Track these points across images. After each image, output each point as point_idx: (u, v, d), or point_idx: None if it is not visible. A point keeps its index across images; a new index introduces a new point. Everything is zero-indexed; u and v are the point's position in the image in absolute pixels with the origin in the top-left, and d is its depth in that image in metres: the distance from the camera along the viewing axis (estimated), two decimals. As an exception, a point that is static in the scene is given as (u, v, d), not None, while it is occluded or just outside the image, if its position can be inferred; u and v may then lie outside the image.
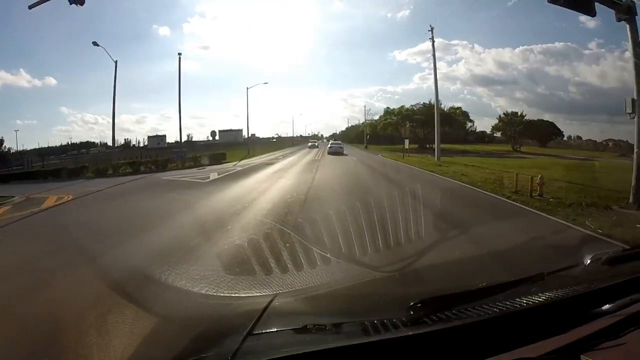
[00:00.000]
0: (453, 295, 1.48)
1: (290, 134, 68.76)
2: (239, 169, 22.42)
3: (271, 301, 1.69)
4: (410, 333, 1.22)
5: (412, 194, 10.55)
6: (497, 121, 50.20)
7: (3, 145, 44.83)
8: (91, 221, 9.03)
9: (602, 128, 60.30)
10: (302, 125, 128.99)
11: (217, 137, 53.75)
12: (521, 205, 10.04)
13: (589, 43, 54.94)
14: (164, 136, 52.83)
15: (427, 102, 48.04)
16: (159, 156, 31.01)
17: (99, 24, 62.91)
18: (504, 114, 48.41)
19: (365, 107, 71.35)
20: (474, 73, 57.96)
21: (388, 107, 51.07)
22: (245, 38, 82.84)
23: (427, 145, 45.62)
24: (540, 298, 1.44)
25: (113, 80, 30.72)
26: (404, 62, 68.62)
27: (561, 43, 52.97)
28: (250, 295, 3.97)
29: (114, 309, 3.32)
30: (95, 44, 29.34)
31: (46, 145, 49.15)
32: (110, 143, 52.55)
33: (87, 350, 2.63)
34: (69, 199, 12.85)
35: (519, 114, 47.95)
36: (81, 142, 53.97)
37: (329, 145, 39.62)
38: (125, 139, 54.57)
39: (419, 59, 74.75)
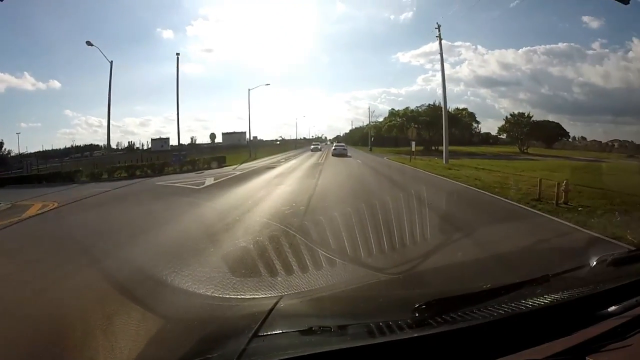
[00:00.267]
0: (458, 297, 1.46)
1: (294, 137, 67.73)
2: (237, 173, 21.06)
3: (277, 303, 1.68)
4: (415, 335, 1.21)
5: (427, 203, 9.30)
6: (501, 122, 49.37)
7: (3, 148, 43.58)
8: (57, 237, 7.85)
9: (606, 129, 59.51)
10: (306, 127, 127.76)
11: (216, 140, 52.62)
12: (551, 217, 8.66)
13: (592, 43, 53.50)
14: (167, 139, 50.90)
15: (432, 104, 47.35)
16: (161, 159, 30.10)
17: (103, 27, 61.72)
18: (510, 114, 47.12)
19: (369, 108, 69.90)
20: (477, 74, 56.69)
21: (393, 109, 49.84)
22: (248, 40, 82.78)
23: (433, 147, 44.41)
24: (545, 300, 1.43)
25: (109, 81, 29.67)
26: (407, 64, 66.93)
27: (564, 44, 51.69)
28: (256, 297, 3.92)
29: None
30: (89, 43, 28.15)
31: (50, 148, 48.35)
32: (114, 145, 53.00)
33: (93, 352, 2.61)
34: (53, 207, 11.98)
35: (526, 114, 46.76)
36: (85, 145, 52.21)
37: (333, 148, 40.03)
38: (129, 142, 53.96)
39: (422, 60, 74.29)
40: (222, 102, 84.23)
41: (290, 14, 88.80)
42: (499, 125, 47.42)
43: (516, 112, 47.02)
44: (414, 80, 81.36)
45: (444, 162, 26.26)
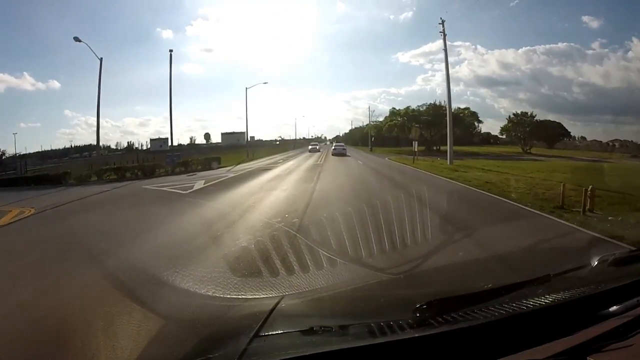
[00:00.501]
0: (459, 297, 1.44)
1: (293, 137, 67.32)
2: (231, 175, 19.59)
3: (278, 303, 1.67)
4: (417, 335, 1.20)
5: (442, 214, 8.11)
6: (500, 122, 50.75)
7: (-2, 149, 42.69)
8: (17, 253, 6.60)
9: (606, 128, 59.95)
10: (305, 127, 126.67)
11: (215, 140, 51.81)
12: (584, 230, 7.28)
13: (592, 43, 53.11)
14: (166, 139, 50.65)
15: (434, 103, 46.41)
16: (158, 159, 28.99)
17: (103, 27, 63.45)
18: (513, 114, 46.56)
19: (369, 108, 69.29)
20: (477, 74, 56.51)
21: (394, 108, 48.80)
22: (248, 40, 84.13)
23: (434, 147, 43.39)
24: (547, 299, 1.41)
25: (98, 78, 28.32)
26: (407, 64, 67.13)
27: (564, 43, 51.69)
28: (257, 297, 3.88)
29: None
30: (77, 39, 26.79)
31: (49, 148, 48.88)
32: (113, 146, 52.41)
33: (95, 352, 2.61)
34: (30, 213, 10.90)
35: (529, 114, 45.90)
36: (84, 145, 52.81)
37: (333, 147, 41.59)
38: (128, 142, 54.36)
39: (422, 60, 75.01)
40: (222, 102, 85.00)
41: (290, 14, 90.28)
42: (502, 125, 47.03)
43: (519, 111, 46.62)
44: (413, 80, 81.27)
45: (449, 163, 24.91)
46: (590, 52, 51.59)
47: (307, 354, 1.13)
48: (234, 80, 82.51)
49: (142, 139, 75.87)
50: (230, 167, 25.92)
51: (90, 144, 50.37)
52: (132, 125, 77.68)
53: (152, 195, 13.97)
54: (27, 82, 55.98)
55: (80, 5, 64.29)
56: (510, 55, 57.48)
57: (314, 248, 5.28)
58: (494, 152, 43.52)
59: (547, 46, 52.28)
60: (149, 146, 53.36)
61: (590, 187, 9.21)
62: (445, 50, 25.92)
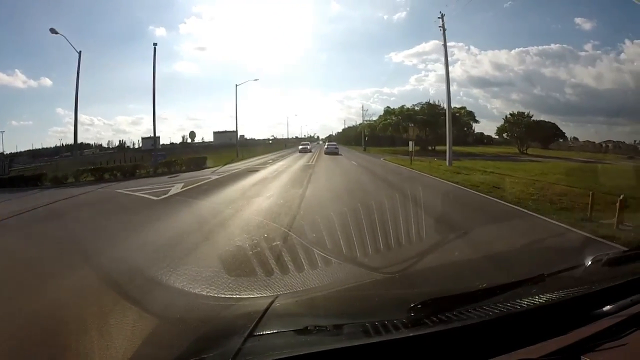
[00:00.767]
0: (453, 297, 1.44)
1: (286, 136, 65.27)
2: (214, 177, 17.78)
3: (272, 302, 1.66)
4: (411, 334, 1.20)
5: (454, 228, 6.95)
6: (493, 123, 50.75)
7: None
8: None
9: (598, 129, 58.88)
10: (298, 126, 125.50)
11: (206, 139, 50.76)
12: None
13: (584, 45, 52.41)
14: (158, 137, 48.74)
15: (429, 102, 45.04)
16: (146, 159, 27.46)
17: (95, 25, 61.52)
18: (510, 114, 45.05)
19: (362, 106, 68.04)
20: (470, 75, 55.32)
21: (388, 107, 47.03)
22: (241, 39, 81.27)
23: (430, 147, 41.94)
24: (541, 299, 1.42)
25: (79, 73, 26.32)
26: (400, 64, 64.55)
27: (557, 45, 50.43)
28: (251, 296, 3.80)
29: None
30: (53, 31, 24.81)
31: (40, 147, 46.03)
32: (105, 144, 50.77)
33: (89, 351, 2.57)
34: None
35: (526, 114, 44.69)
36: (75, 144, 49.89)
37: (325, 146, 41.94)
38: (120, 141, 51.92)
39: (415, 60, 74.47)
40: (216, 101, 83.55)
41: (284, 13, 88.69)
42: (498, 126, 46.22)
43: (514, 112, 45.35)
44: (406, 80, 79.06)
45: (448, 164, 23.26)
46: (583, 53, 49.30)
47: (301, 353, 1.12)
48: (227, 79, 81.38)
49: (134, 137, 74.29)
50: (217, 168, 24.13)
51: (82, 142, 49.28)
52: (125, 123, 76.37)
53: (121, 202, 12.35)
54: (18, 80, 54.31)
55: (72, 2, 62.44)
56: (503, 56, 56.68)
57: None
58: (490, 153, 42.10)
59: (540, 47, 50.69)
60: (140, 145, 50.44)
61: (621, 196, 7.79)
62: (445, 46, 24.35)
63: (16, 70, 57.47)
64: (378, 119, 48.31)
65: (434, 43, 61.26)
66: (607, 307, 1.42)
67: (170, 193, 12.93)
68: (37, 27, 54.72)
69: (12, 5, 47.81)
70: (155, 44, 28.57)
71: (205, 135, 62.49)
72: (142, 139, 50.68)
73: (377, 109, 77.53)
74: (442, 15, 24.27)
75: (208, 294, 3.70)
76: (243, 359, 1.15)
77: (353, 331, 1.31)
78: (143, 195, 12.88)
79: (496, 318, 1.28)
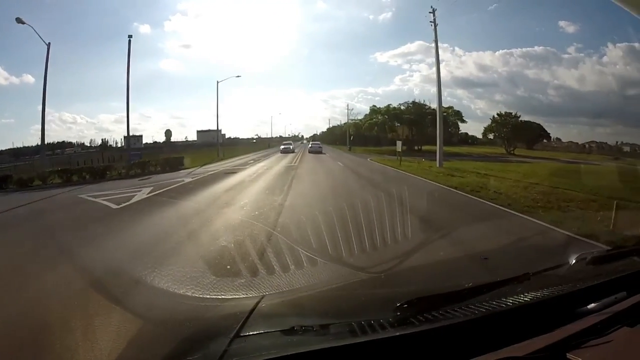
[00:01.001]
0: (439, 296, 1.45)
1: (272, 135, 63.68)
2: (188, 180, 16.16)
3: (258, 303, 1.63)
4: (397, 334, 1.20)
5: (468, 245, 5.75)
6: (476, 123, 51.52)
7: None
8: None
9: (580, 130, 58.95)
10: (283, 126, 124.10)
11: (179, 138, 50.04)
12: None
13: (568, 47, 52.74)
14: (140, 136, 47.96)
15: (415, 101, 43.83)
16: (124, 159, 26.06)
17: (78, 21, 57.75)
18: (497, 114, 43.89)
19: (347, 106, 66.88)
20: (454, 75, 54.64)
21: (374, 106, 45.43)
22: (227, 37, 79.29)
23: (416, 147, 40.82)
24: (526, 298, 1.42)
25: (47, 66, 24.40)
26: (385, 64, 63.22)
27: (541, 47, 49.86)
28: (237, 297, 3.67)
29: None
30: (19, 20, 22.80)
31: (21, 145, 43.35)
32: (87, 143, 48.92)
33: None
34: None
35: (513, 114, 43.96)
36: (57, 142, 47.49)
37: (310, 145, 42.28)
38: (102, 139, 48.96)
39: (400, 61, 73.53)
40: (200, 100, 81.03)
41: (270, 12, 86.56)
42: (485, 126, 45.74)
43: (501, 112, 44.28)
44: (391, 80, 78.49)
45: (438, 165, 22.07)
46: (566, 56, 47.93)
47: (288, 353, 1.11)
48: (212, 77, 79.28)
49: (117, 135, 71.54)
50: (193, 169, 22.42)
51: (63, 141, 47.57)
52: (108, 122, 73.48)
53: (76, 211, 10.73)
54: (0, 77, 52.35)
55: (55, -3, 60.62)
56: (487, 57, 56.26)
57: None
58: (477, 153, 41.15)
59: (524, 49, 49.85)
60: (123, 144, 48.58)
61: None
62: (436, 41, 23.16)
63: (-3, 66, 56.41)
64: (364, 118, 47.02)
65: (419, 44, 62.62)
66: (592, 305, 1.43)
67: (134, 200, 11.32)
68: (16, 23, 52.83)
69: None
70: (130, 36, 26.82)
71: (189, 134, 61.16)
72: (124, 137, 48.60)
73: (361, 109, 76.93)
74: (434, 10, 23.17)
75: (193, 295, 3.61)
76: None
77: (340, 331, 1.28)
78: (103, 202, 11.29)
79: (482, 317, 1.28)
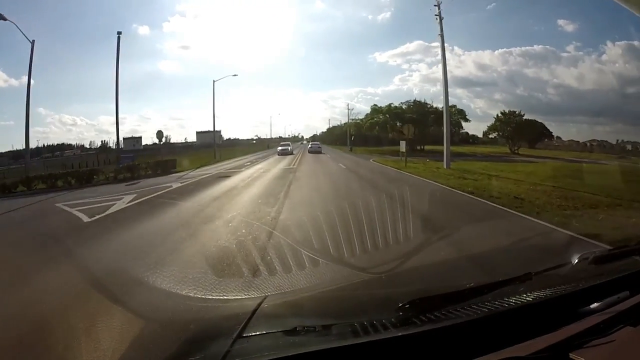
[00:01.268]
0: (441, 296, 1.42)
1: (272, 135, 63.52)
2: (176, 186, 14.68)
3: (260, 303, 1.60)
4: (400, 334, 1.18)
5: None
6: (476, 122, 53.14)
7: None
8: None
9: (579, 129, 60.56)
10: (282, 126, 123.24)
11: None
12: None
13: (567, 46, 52.48)
14: (140, 138, 49.27)
15: (417, 100, 43.14)
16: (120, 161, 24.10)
17: (78, 22, 60.52)
18: (501, 113, 43.10)
19: (348, 105, 65.90)
20: (453, 75, 55.11)
21: (375, 105, 44.62)
22: (225, 38, 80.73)
23: (418, 147, 39.53)
24: (528, 297, 1.40)
25: (31, 64, 23.03)
26: (384, 64, 64.74)
27: (540, 46, 50.47)
28: (239, 297, 3.61)
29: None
30: (1, 17, 21.48)
31: (21, 148, 43.88)
32: (87, 145, 48.29)
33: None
34: None
35: (517, 113, 42.93)
36: (56, 144, 49.19)
37: (309, 146, 42.18)
38: (102, 141, 49.30)
39: (399, 60, 75.51)
40: (199, 101, 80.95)
41: (269, 12, 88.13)
42: (481, 125, 45.43)
43: (506, 110, 43.54)
44: (390, 80, 78.61)
45: (445, 166, 20.63)
46: (565, 54, 49.76)
47: (290, 354, 1.10)
48: (211, 78, 78.03)
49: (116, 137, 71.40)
50: (186, 172, 21.01)
51: (63, 143, 48.54)
52: (107, 123, 74.18)
53: (43, 225, 9.45)
54: None
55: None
56: (487, 56, 57.17)
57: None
58: (481, 153, 40.07)
59: (523, 48, 50.52)
60: (122, 145, 49.23)
61: None
62: (442, 35, 21.60)
63: (-4, 68, 55.91)
64: (365, 118, 45.97)
65: (418, 43, 62.82)
66: (595, 305, 1.41)
67: (110, 211, 9.91)
68: (18, 24, 52.16)
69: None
70: (119, 33, 25.42)
71: (189, 135, 61.53)
72: (124, 139, 49.43)
73: (361, 109, 76.65)
74: (439, 3, 21.67)
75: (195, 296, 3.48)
76: None
77: (342, 331, 1.26)
78: (77, 212, 9.94)
79: (484, 317, 1.27)
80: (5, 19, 21.89)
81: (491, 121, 43.53)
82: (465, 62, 56.69)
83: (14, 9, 53.32)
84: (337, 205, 8.11)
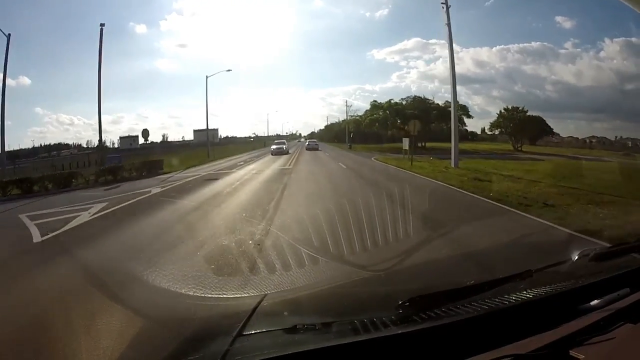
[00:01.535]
0: (441, 293, 1.38)
1: (269, 133, 61.90)
2: (154, 192, 12.96)
3: (260, 301, 1.57)
4: (400, 331, 1.17)
5: None
6: (474, 119, 48.42)
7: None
8: None
9: (577, 125, 58.94)
10: (280, 124, 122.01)
11: (176, 138, 49.68)
12: None
13: (564, 43, 52.30)
14: (136, 137, 47.09)
15: (418, 96, 41.67)
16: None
17: (74, 20, 58.11)
18: (504, 109, 41.85)
19: (346, 102, 64.31)
20: None
21: (375, 101, 42.99)
22: (223, 36, 78.37)
23: (420, 144, 38.01)
24: (528, 294, 1.39)
25: (7, 60, 21.40)
26: (382, 61, 62.12)
27: (538, 42, 49.06)
28: (239, 296, 3.63)
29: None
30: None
31: (17, 148, 42.44)
32: (84, 144, 47.10)
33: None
34: None
35: (520, 109, 41.65)
36: (53, 144, 47.30)
37: (307, 143, 42.19)
38: (99, 140, 47.44)
39: (397, 57, 73.34)
40: (197, 99, 79.78)
41: (266, 9, 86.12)
42: (478, 121, 44.21)
43: (511, 106, 42.37)
44: (388, 77, 77.23)
45: (453, 165, 19.08)
46: (563, 51, 48.78)
47: (290, 352, 1.09)
48: (208, 76, 77.72)
49: (114, 136, 71.30)
50: (173, 174, 19.34)
51: (59, 143, 46.60)
52: (105, 122, 72.49)
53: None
54: None
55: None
56: (484, 53, 55.61)
57: None
58: (483, 150, 38.32)
59: (521, 45, 49.55)
60: (119, 144, 48.68)
61: None
62: (449, 25, 20.03)
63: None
64: (364, 114, 44.45)
65: (416, 40, 61.99)
66: (595, 302, 1.40)
67: (69, 225, 8.27)
68: (15, 23, 52.58)
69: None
70: (102, 25, 23.70)
71: (186, 133, 59.79)
72: (121, 138, 49.45)
73: (359, 106, 75.96)
74: (446, -6, 20.12)
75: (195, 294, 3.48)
76: (232, 359, 1.10)
77: (342, 329, 1.24)
78: (34, 227, 8.33)
79: (484, 314, 1.26)
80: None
81: (489, 118, 43.47)
82: (463, 59, 56.30)
83: (12, 8, 51.40)
84: (342, 220, 6.37)
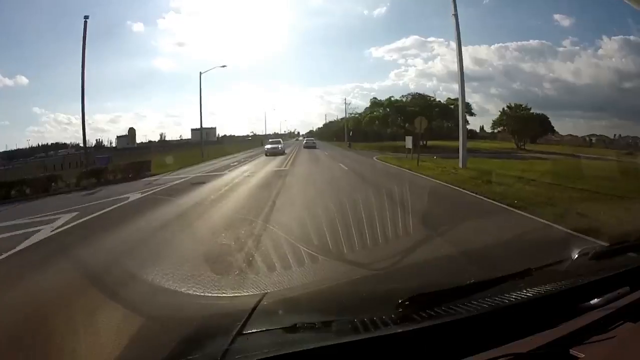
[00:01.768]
0: (442, 292, 1.37)
1: (267, 132, 62.15)
2: (132, 199, 11.54)
3: (260, 300, 1.54)
4: (400, 330, 1.15)
5: None
6: (472, 117, 47.06)
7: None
8: None
9: (576, 123, 60.21)
10: (278, 122, 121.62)
11: (174, 137, 49.81)
12: None
13: (563, 41, 53.48)
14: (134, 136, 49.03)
15: (419, 93, 41.04)
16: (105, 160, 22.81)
17: (71, 18, 59.33)
18: (507, 106, 41.37)
19: (345, 100, 63.74)
20: (450, 70, 53.46)
21: (375, 98, 42.13)
22: (221, 34, 79.94)
23: (421, 143, 36.86)
24: (528, 293, 1.38)
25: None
26: (380, 59, 63.54)
27: (536, 41, 50.43)
28: (239, 294, 3.58)
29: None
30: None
31: (15, 147, 44.53)
32: (81, 144, 46.99)
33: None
34: None
35: (523, 106, 40.98)
36: (51, 144, 48.51)
37: (304, 141, 42.87)
38: (97, 140, 48.42)
39: (395, 55, 75.44)
40: (195, 98, 79.68)
41: (264, 7, 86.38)
42: (476, 119, 43.86)
43: (514, 103, 41.92)
44: (386, 75, 78.23)
45: (461, 165, 17.79)
46: (561, 49, 50.15)
47: (290, 351, 1.07)
48: (206, 75, 77.10)
49: (112, 136, 71.71)
50: (160, 176, 18.00)
51: (57, 142, 47.45)
52: (103, 122, 73.86)
53: None
54: None
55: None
56: (483, 51, 55.83)
57: None
58: (485, 148, 37.32)
59: (520, 43, 50.78)
60: (116, 144, 49.47)
61: None
62: (456, 15, 18.72)
63: (-9, 67, 55.03)
64: (364, 112, 43.56)
65: (414, 38, 65.13)
66: (595, 300, 1.38)
67: (25, 244, 6.91)
68: (12, 22, 52.57)
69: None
70: (86, 17, 22.40)
71: (184, 132, 60.93)
72: (118, 137, 50.06)
73: (357, 104, 76.06)
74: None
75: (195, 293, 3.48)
76: (232, 358, 1.08)
77: (342, 328, 1.23)
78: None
79: (485, 313, 1.24)
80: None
81: (487, 116, 42.84)
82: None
83: (10, 7, 51.52)
84: (346, 236, 5.09)
